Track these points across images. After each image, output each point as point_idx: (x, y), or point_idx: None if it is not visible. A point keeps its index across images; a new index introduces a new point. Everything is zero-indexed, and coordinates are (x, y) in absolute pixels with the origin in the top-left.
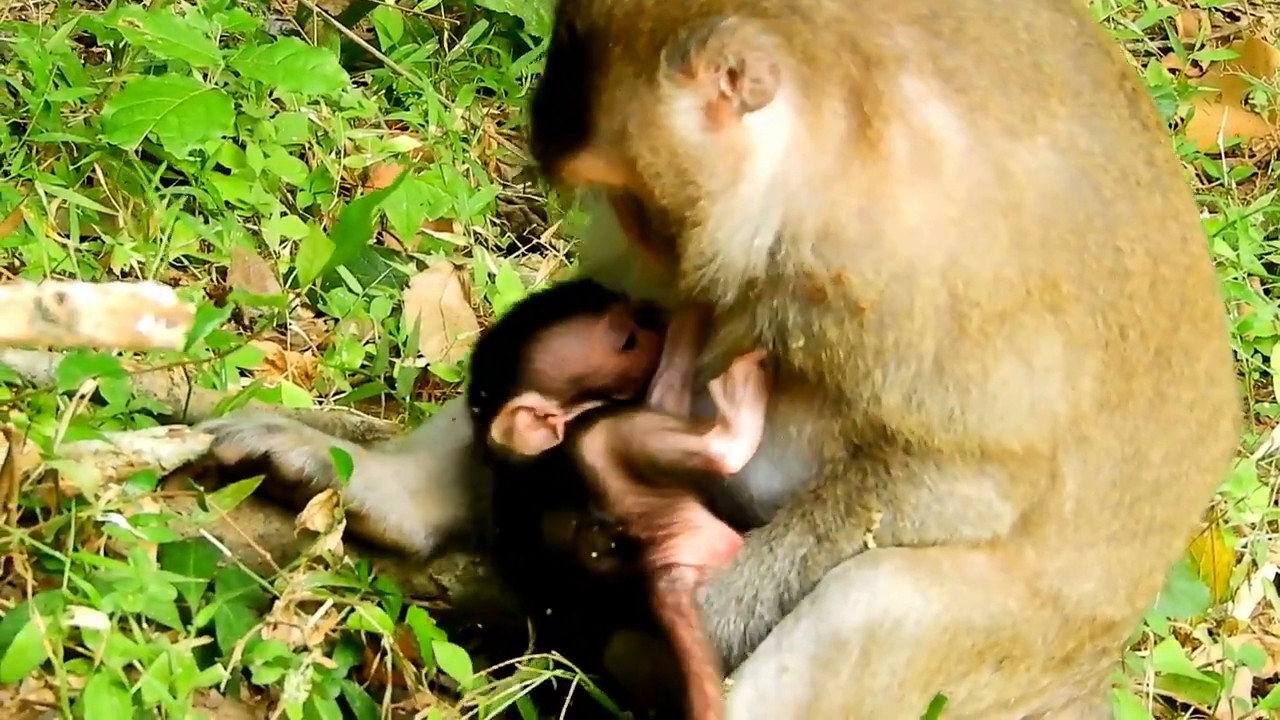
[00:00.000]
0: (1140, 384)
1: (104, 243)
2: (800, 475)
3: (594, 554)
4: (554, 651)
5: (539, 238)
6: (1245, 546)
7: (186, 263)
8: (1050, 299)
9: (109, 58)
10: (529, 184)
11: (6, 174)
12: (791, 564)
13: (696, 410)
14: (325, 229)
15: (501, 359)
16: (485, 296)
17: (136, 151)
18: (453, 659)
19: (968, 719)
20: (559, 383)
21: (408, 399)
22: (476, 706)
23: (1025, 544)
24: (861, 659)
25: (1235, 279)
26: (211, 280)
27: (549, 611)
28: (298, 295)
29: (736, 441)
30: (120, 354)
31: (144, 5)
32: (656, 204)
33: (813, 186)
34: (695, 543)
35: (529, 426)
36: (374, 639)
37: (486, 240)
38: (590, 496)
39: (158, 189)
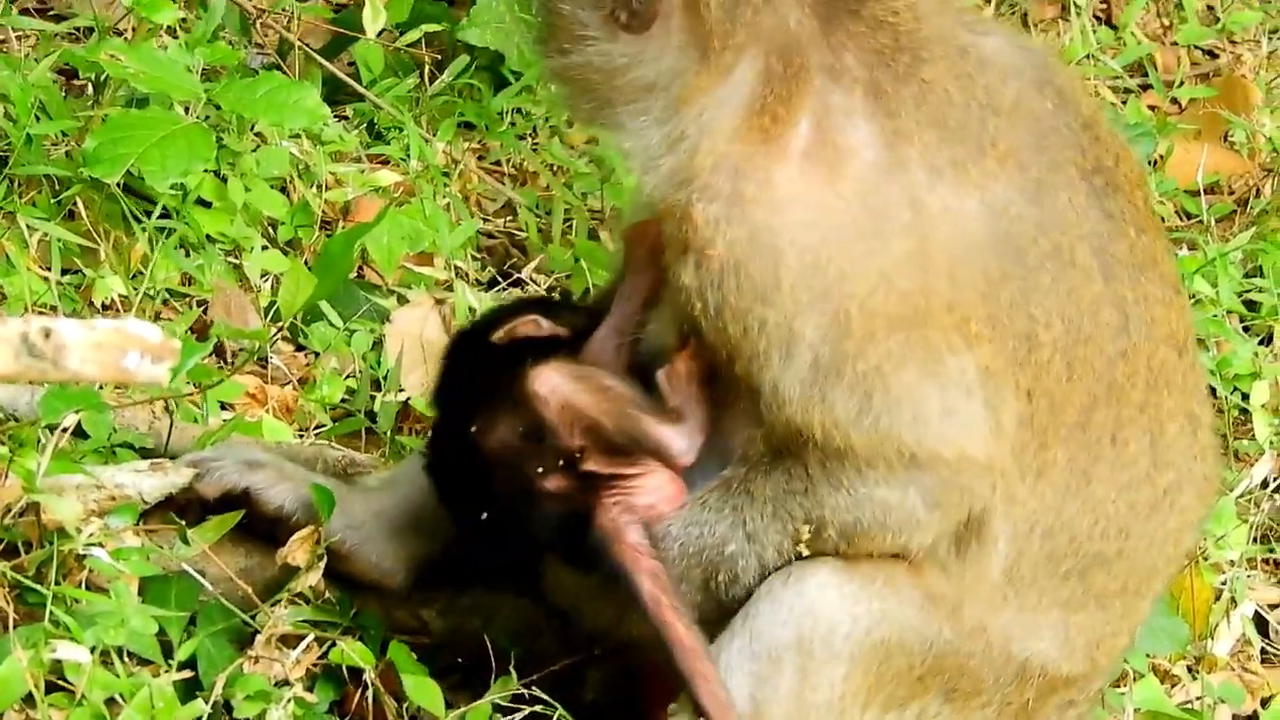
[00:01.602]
0: (1056, 455)
1: (85, 276)
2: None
3: (540, 470)
4: (531, 685)
5: (520, 272)
6: (1224, 583)
7: (168, 296)
8: (959, 327)
9: (90, 91)
10: (509, 218)
11: None
12: (719, 554)
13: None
14: (306, 263)
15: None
16: None
17: (118, 185)
18: (423, 690)
19: None
20: None
21: (389, 433)
22: None
23: (963, 594)
24: (797, 674)
25: (1214, 316)
26: (193, 314)
27: (483, 517)
28: (279, 329)
29: (691, 438)
30: (101, 387)
31: (126, 38)
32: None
33: (701, 135)
34: (654, 484)
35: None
36: (355, 673)
37: (467, 275)
38: (545, 426)
39: (139, 222)
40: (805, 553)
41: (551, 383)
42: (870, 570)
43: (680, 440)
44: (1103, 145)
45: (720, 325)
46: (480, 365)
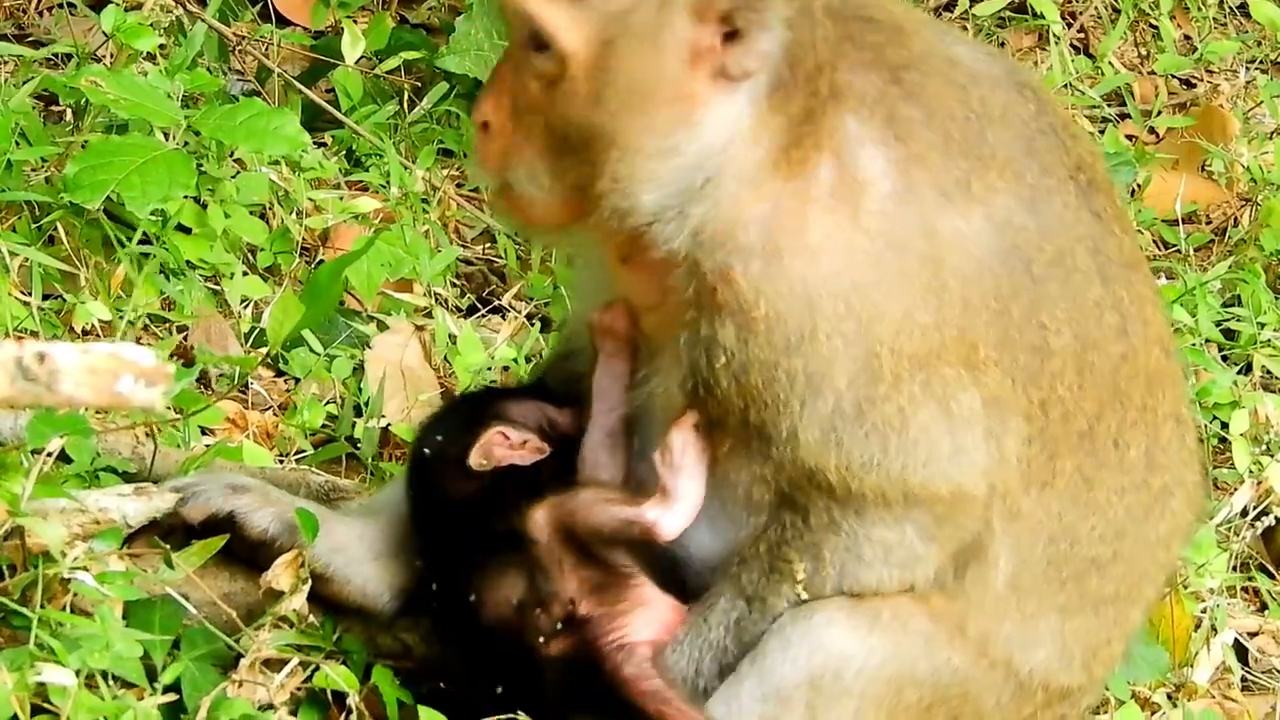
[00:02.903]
0: (1064, 464)
1: (66, 301)
2: (734, 535)
3: (541, 637)
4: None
5: (499, 299)
6: (1204, 611)
7: (149, 321)
8: (967, 357)
9: (70, 117)
10: (488, 245)
11: None
12: (726, 630)
13: (634, 461)
14: (286, 287)
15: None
16: (446, 357)
17: (99, 210)
18: (429, 717)
19: None
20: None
21: (371, 459)
22: None
23: (967, 609)
24: (808, 713)
25: (1193, 345)
26: (173, 339)
27: (499, 690)
28: (265, 356)
29: (673, 509)
30: (84, 411)
31: (105, 64)
32: (584, 92)
33: (728, 180)
34: (647, 618)
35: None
36: (339, 697)
37: (447, 301)
38: (538, 571)
39: (121, 247)
40: (805, 596)
41: (539, 524)
42: (877, 604)
43: (659, 513)
44: (1080, 143)
45: (745, 378)
46: (462, 515)
